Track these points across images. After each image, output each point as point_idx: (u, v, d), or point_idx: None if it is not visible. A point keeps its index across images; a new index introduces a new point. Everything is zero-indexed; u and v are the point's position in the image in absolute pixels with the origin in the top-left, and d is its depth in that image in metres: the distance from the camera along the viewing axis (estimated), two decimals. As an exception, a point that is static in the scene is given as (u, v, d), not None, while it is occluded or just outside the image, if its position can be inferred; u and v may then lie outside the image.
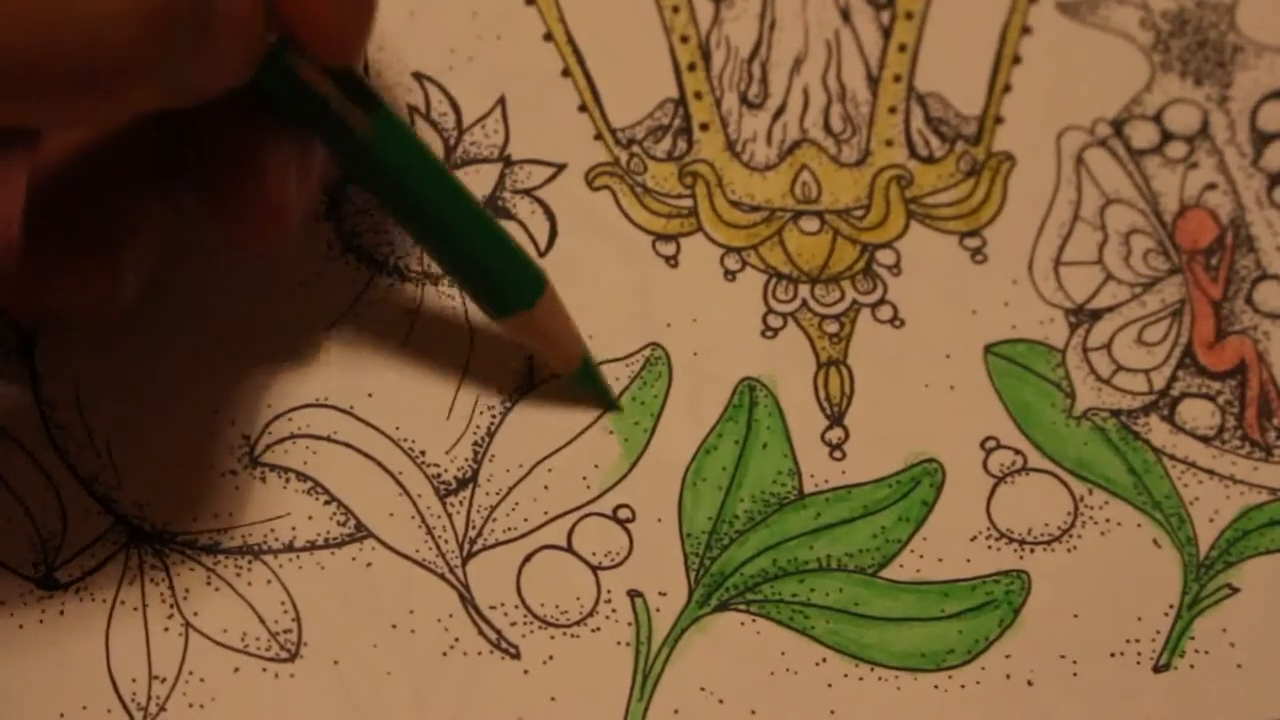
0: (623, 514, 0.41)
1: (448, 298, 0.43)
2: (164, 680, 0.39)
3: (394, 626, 0.40)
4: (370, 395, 0.42)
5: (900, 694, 0.40)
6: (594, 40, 0.46)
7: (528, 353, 0.42)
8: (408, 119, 0.37)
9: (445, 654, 0.40)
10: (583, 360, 0.41)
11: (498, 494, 0.41)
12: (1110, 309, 0.44)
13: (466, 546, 0.41)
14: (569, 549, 0.41)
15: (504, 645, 0.40)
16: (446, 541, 0.41)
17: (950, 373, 0.43)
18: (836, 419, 0.43)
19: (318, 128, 0.37)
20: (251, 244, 0.39)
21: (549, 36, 0.46)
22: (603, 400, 0.42)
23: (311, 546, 0.41)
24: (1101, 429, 0.43)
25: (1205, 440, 0.43)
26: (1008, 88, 0.46)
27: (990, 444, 0.42)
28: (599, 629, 0.40)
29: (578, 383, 0.42)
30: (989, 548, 0.41)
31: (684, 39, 0.46)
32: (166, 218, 0.39)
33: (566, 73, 0.45)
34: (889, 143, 0.45)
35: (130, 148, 0.37)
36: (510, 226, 0.44)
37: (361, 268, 0.43)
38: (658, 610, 0.40)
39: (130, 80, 0.30)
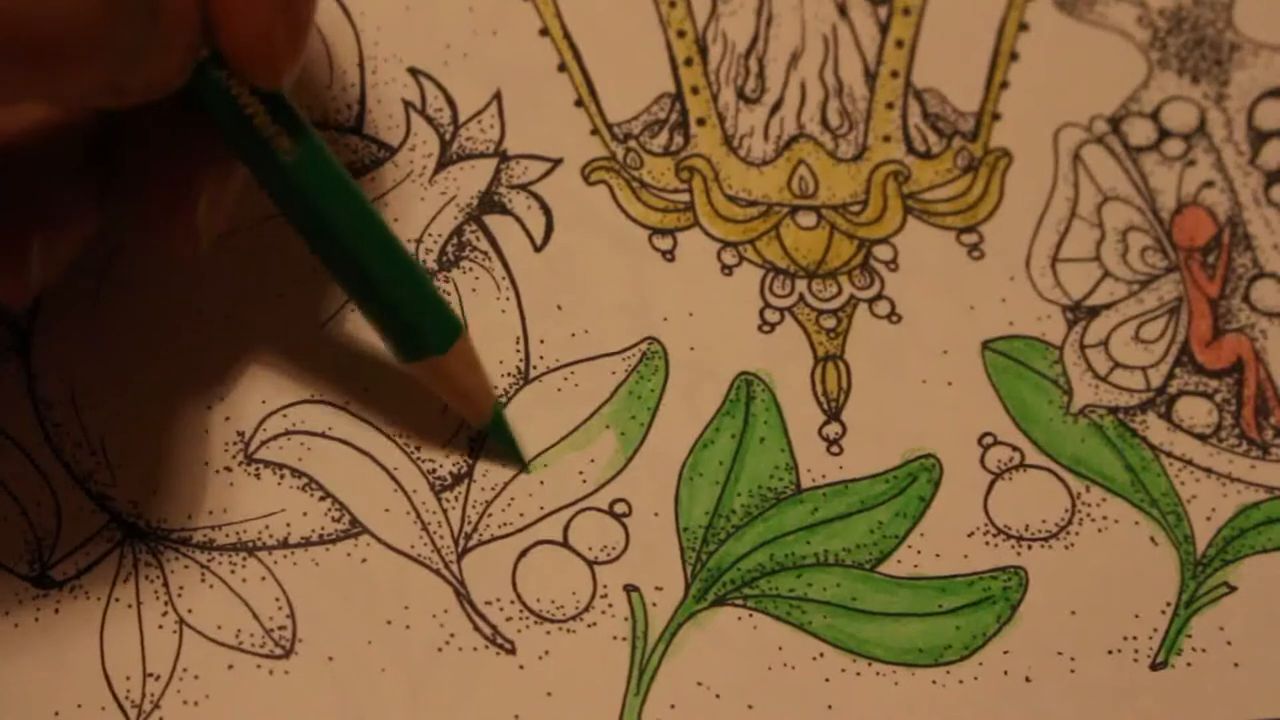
0: (619, 509, 0.41)
1: (443, 293, 0.43)
2: (158, 677, 0.39)
3: (389, 622, 0.40)
4: (365, 391, 0.42)
5: (898, 689, 0.40)
6: (590, 35, 0.46)
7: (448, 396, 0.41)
8: (327, 147, 0.37)
9: (440, 650, 0.40)
10: (494, 414, 0.41)
11: (493, 489, 0.41)
12: (1107, 306, 0.44)
13: (462, 542, 0.41)
14: (565, 544, 0.41)
15: (500, 641, 0.40)
16: (442, 537, 0.41)
17: (947, 368, 0.43)
18: (834, 414, 0.43)
19: (242, 148, 0.36)
20: (166, 252, 0.39)
21: (545, 31, 0.46)
22: (513, 457, 0.42)
23: (306, 543, 0.41)
24: (1099, 426, 0.43)
25: (1202, 438, 0.43)
26: (1005, 84, 0.46)
27: (988, 440, 0.42)
28: (595, 624, 0.40)
29: (491, 431, 0.41)
30: (986, 544, 0.41)
31: (681, 33, 0.46)
32: (86, 217, 0.38)
33: (563, 67, 0.45)
34: (886, 138, 0.45)
35: (59, 142, 0.37)
36: (506, 221, 0.44)
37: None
38: (654, 605, 0.40)
39: (76, 57, 0.30)
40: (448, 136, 0.44)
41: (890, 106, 0.46)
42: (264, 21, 0.34)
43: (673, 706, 0.40)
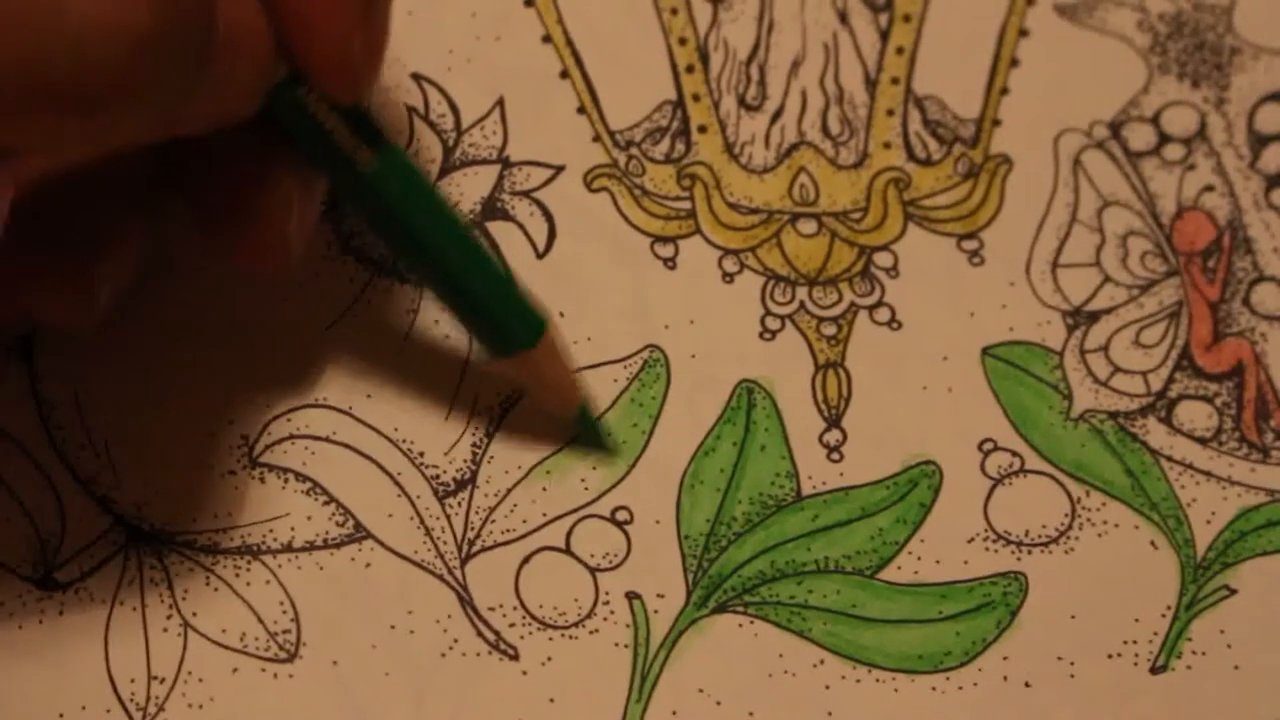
0: (621, 516, 0.41)
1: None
2: (163, 680, 0.39)
3: (393, 627, 0.40)
4: (369, 396, 0.42)
5: (898, 696, 0.40)
6: (593, 42, 0.46)
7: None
8: (409, 154, 0.37)
9: (444, 655, 0.40)
10: (580, 406, 0.41)
11: (496, 495, 0.41)
12: (1108, 311, 0.44)
13: (465, 548, 0.41)
14: (567, 550, 0.41)
15: (503, 646, 0.40)
16: (445, 543, 0.41)
17: (948, 375, 0.43)
18: (834, 421, 0.43)
19: (322, 162, 0.37)
20: (247, 273, 0.39)
21: (548, 38, 0.46)
22: (601, 446, 0.42)
23: (310, 547, 0.41)
24: (1099, 431, 0.43)
25: (1203, 442, 0.43)
26: (1005, 90, 0.46)
27: (988, 446, 0.43)
28: (597, 630, 0.40)
29: (576, 427, 0.42)
30: (986, 549, 0.42)
31: (682, 41, 0.46)
32: (149, 237, 0.38)
33: (565, 74, 0.45)
34: (887, 145, 0.45)
35: (126, 165, 0.37)
36: (508, 228, 0.44)
37: (361, 268, 0.43)
38: (656, 612, 0.41)
39: (118, 105, 0.30)
40: (451, 142, 0.44)
41: (891, 113, 0.46)
42: (343, 38, 0.34)
43: (674, 713, 0.40)
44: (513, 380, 0.41)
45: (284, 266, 0.38)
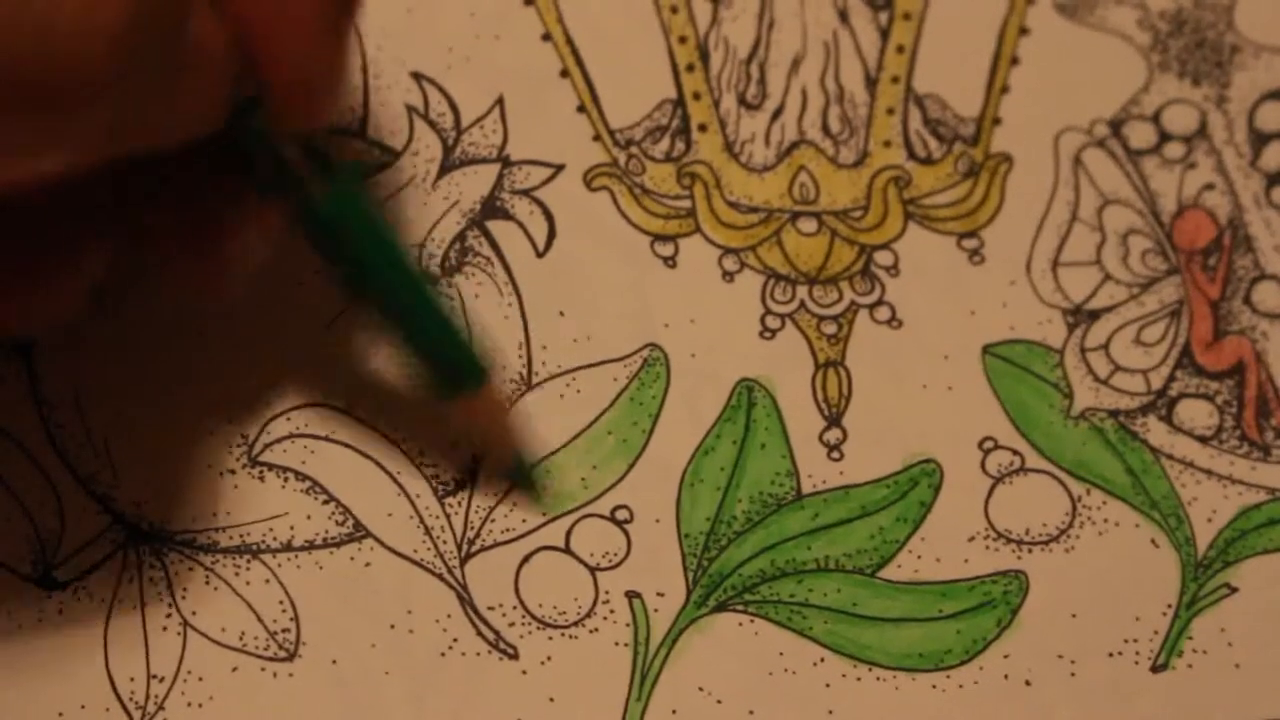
0: (621, 515, 0.41)
1: (445, 298, 0.43)
2: (162, 679, 0.39)
3: (392, 626, 0.40)
4: (368, 395, 0.42)
5: (898, 694, 0.40)
6: (593, 41, 0.46)
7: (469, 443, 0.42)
8: (365, 188, 0.37)
9: (444, 654, 0.40)
10: (514, 457, 0.41)
11: (495, 494, 0.41)
12: (1108, 309, 0.44)
13: (465, 547, 0.41)
14: (567, 550, 0.41)
15: (502, 645, 0.40)
16: (445, 542, 0.41)
17: (948, 373, 0.43)
18: (834, 420, 0.43)
19: (277, 188, 0.36)
20: (193, 299, 0.39)
21: (547, 37, 0.46)
22: (535, 498, 0.42)
23: (310, 546, 0.41)
24: (1099, 429, 0.43)
25: (1203, 440, 0.43)
26: (1006, 89, 0.46)
27: (988, 444, 0.43)
28: (597, 630, 0.40)
29: (513, 476, 0.42)
30: (987, 548, 0.42)
31: (682, 40, 0.46)
32: (99, 259, 0.38)
33: (565, 73, 0.45)
34: (887, 144, 0.45)
35: (83, 185, 0.37)
36: (509, 227, 0.44)
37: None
38: (656, 611, 0.41)
39: (90, 104, 0.29)
40: (450, 141, 0.44)
41: (891, 112, 0.46)
42: (303, 64, 0.34)
43: (674, 712, 0.40)
44: (452, 423, 0.41)
45: (220, 296, 0.37)
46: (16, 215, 0.36)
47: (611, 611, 0.40)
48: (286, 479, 0.41)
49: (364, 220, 0.37)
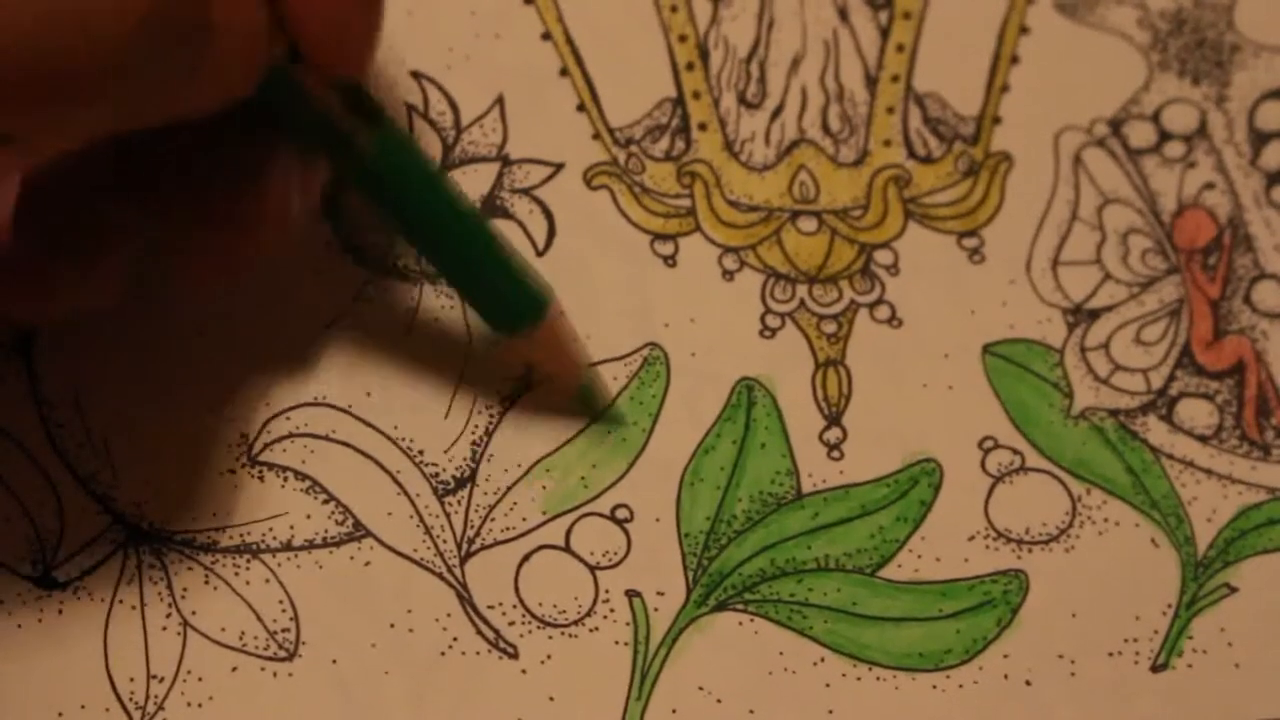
0: (621, 514, 0.41)
1: (446, 297, 0.43)
2: (162, 679, 0.39)
3: (392, 626, 0.40)
4: (368, 394, 0.42)
5: (898, 694, 0.40)
6: (592, 39, 0.46)
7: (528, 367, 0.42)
8: (409, 132, 0.37)
9: (443, 653, 0.40)
10: (584, 385, 0.42)
11: (496, 493, 0.41)
12: (1108, 309, 0.44)
13: (465, 546, 0.41)
14: (567, 549, 0.41)
15: (502, 645, 0.40)
16: (445, 541, 0.41)
17: (948, 372, 0.43)
18: (834, 419, 0.43)
19: (320, 140, 0.36)
20: (249, 253, 0.39)
21: (547, 35, 0.46)
22: (609, 418, 0.42)
23: (310, 545, 0.41)
24: (1099, 429, 0.43)
25: (1203, 440, 0.43)
26: (1006, 88, 0.46)
27: (988, 444, 0.42)
28: (597, 629, 0.40)
29: (581, 402, 0.42)
30: (987, 547, 0.42)
31: (682, 38, 0.46)
32: (123, 252, 0.38)
33: (565, 72, 0.45)
34: (887, 143, 0.45)
35: (94, 166, 0.37)
36: (508, 226, 0.44)
37: (361, 267, 0.43)
38: (656, 610, 0.41)
39: (119, 85, 0.30)
40: (450, 140, 0.44)
41: (891, 111, 0.46)
42: (340, 11, 0.34)
43: (674, 711, 0.40)
44: (519, 358, 0.41)
45: (286, 238, 0.37)
46: (55, 197, 0.36)
47: (611, 611, 0.40)
48: (286, 478, 0.41)
49: (412, 164, 0.38)
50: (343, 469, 0.41)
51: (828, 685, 0.40)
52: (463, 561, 0.41)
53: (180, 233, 0.37)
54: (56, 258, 0.37)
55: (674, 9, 0.46)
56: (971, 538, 0.42)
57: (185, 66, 0.31)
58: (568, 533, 0.41)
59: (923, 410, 0.43)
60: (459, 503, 0.41)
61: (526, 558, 0.41)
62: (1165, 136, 0.46)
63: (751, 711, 0.40)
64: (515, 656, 0.40)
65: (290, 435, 0.41)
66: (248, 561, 0.40)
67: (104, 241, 0.37)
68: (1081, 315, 0.44)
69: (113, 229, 0.37)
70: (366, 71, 0.36)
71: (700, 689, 0.40)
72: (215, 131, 0.35)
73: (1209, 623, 0.41)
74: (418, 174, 0.38)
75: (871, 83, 0.46)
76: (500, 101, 0.45)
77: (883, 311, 0.44)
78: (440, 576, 0.40)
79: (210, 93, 0.33)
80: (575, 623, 0.40)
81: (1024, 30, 0.47)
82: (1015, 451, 0.42)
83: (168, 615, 0.40)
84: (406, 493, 0.41)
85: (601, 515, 0.41)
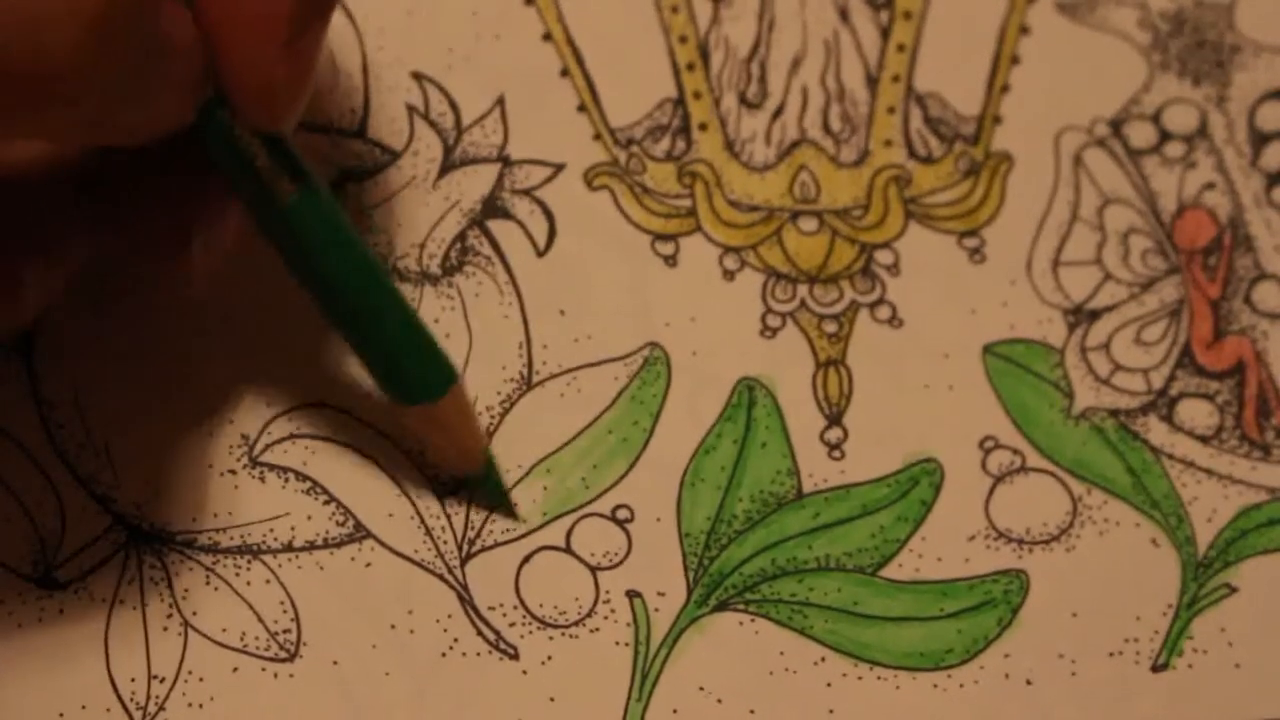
0: (621, 514, 0.41)
1: (446, 298, 0.43)
2: (163, 680, 0.39)
3: (393, 627, 0.40)
4: (369, 395, 0.42)
5: (899, 693, 0.40)
6: (593, 40, 0.46)
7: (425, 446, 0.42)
8: (331, 193, 0.37)
9: (444, 654, 0.40)
10: (486, 463, 0.41)
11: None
12: (1109, 309, 0.44)
13: (465, 547, 0.41)
14: (568, 549, 0.41)
15: (503, 646, 0.40)
16: (445, 542, 0.41)
17: (949, 372, 0.43)
18: (835, 419, 0.43)
19: (241, 189, 0.36)
20: (163, 292, 0.39)
21: (548, 36, 0.46)
22: (501, 507, 0.41)
23: (310, 546, 0.41)
24: (1100, 429, 0.43)
25: (1204, 440, 0.43)
26: (1006, 88, 0.46)
27: (989, 444, 0.43)
28: (598, 629, 0.40)
29: (479, 484, 0.41)
30: (987, 547, 0.42)
31: (683, 39, 0.46)
32: (80, 246, 0.38)
33: (565, 73, 0.45)
34: (888, 143, 0.45)
35: (56, 171, 0.36)
36: (509, 226, 0.44)
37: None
38: (656, 610, 0.41)
39: (68, 88, 0.30)
40: (451, 141, 0.44)
41: (892, 111, 0.46)
42: (266, 66, 0.34)
43: (675, 711, 0.40)
44: (416, 432, 0.41)
45: (186, 289, 0.38)
46: (24, 199, 0.36)
47: (612, 611, 0.40)
48: (287, 479, 0.41)
49: (330, 221, 0.37)
50: (344, 470, 0.41)
51: (828, 685, 0.40)
52: (463, 562, 0.41)
53: (120, 249, 0.38)
54: (23, 261, 0.36)
55: (675, 10, 0.46)
56: (972, 538, 0.42)
57: (133, 78, 0.31)
58: (568, 533, 0.41)
59: (923, 410, 0.43)
60: (460, 503, 0.41)
61: (527, 559, 0.41)
62: (1166, 137, 0.46)
63: (752, 711, 0.40)
64: (516, 657, 0.40)
65: (291, 436, 0.41)
66: (249, 562, 0.40)
67: (67, 245, 0.37)
68: (1082, 315, 0.44)
69: (42, 245, 0.37)
70: (292, 127, 0.36)
71: (701, 689, 0.40)
72: (164, 160, 0.35)
73: (1209, 623, 0.41)
74: (333, 235, 0.37)
75: (872, 83, 0.46)
76: (501, 102, 0.45)
77: (883, 311, 0.44)
78: (441, 578, 0.40)
79: (156, 112, 0.33)
80: (576, 623, 0.40)
81: (1024, 30, 0.47)
82: (1016, 451, 0.42)
83: (169, 616, 0.40)
84: (407, 494, 0.41)
85: (602, 516, 0.41)
